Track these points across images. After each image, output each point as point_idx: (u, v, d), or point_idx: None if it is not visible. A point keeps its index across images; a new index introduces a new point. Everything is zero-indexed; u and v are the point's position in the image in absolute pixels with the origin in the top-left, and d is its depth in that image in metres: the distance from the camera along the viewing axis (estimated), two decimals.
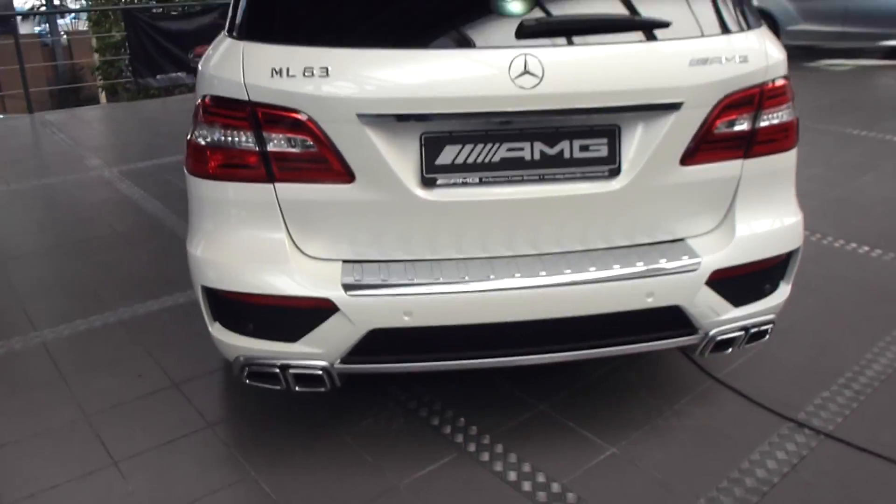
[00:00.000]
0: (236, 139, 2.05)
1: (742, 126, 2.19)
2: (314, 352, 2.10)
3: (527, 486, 2.32)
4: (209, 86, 2.09)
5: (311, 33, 2.05)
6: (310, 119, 1.99)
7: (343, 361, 2.12)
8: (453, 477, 2.37)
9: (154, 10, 9.18)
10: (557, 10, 2.09)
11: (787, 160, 2.33)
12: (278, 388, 2.19)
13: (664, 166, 2.15)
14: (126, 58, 9.54)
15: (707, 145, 2.17)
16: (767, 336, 2.42)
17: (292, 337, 2.10)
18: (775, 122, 2.24)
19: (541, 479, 2.35)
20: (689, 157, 2.17)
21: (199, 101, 2.12)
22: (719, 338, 2.28)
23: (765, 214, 2.31)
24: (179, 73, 8.54)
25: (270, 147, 2.03)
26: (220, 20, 8.72)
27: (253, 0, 2.10)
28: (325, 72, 1.96)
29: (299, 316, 2.08)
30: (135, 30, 8.36)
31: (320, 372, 2.12)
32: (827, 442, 2.52)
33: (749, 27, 2.24)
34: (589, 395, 2.77)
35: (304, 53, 1.99)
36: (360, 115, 1.98)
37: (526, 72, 1.97)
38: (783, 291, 2.40)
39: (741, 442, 2.52)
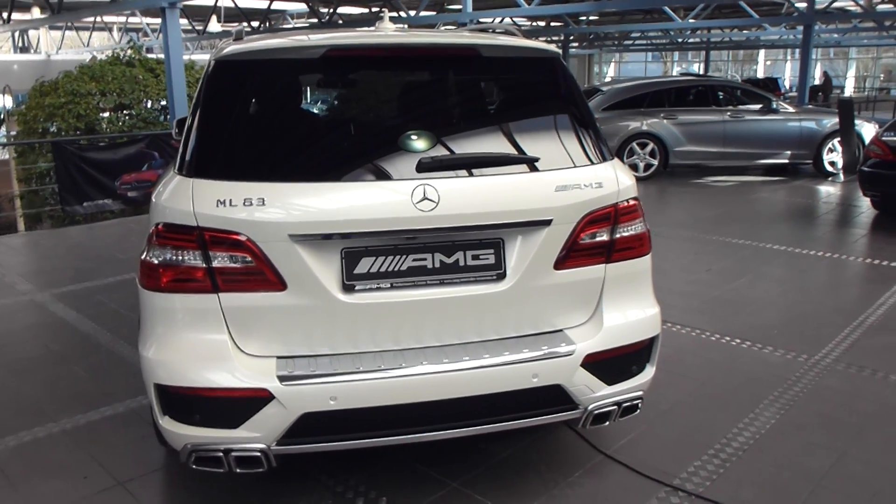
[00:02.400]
0: (186, 258, 2.45)
1: (602, 237, 2.73)
2: (253, 436, 2.44)
3: None
4: (162, 215, 2.50)
5: (248, 171, 2.52)
6: (249, 239, 2.42)
7: (279, 443, 2.47)
8: None
9: (82, 142, 9.56)
10: (450, 149, 2.62)
11: (643, 263, 2.87)
12: (221, 470, 2.51)
13: (541, 270, 2.65)
14: (51, 186, 9.81)
15: (575, 253, 2.69)
16: (638, 410, 2.88)
17: (234, 424, 2.45)
18: (630, 233, 2.79)
19: None
20: (561, 263, 2.68)
21: (153, 227, 2.52)
22: (596, 412, 2.73)
23: (627, 308, 2.82)
24: (106, 201, 8.87)
25: (215, 263, 2.44)
26: (146, 149, 9.19)
27: (200, 145, 2.56)
28: (262, 201, 2.41)
29: (240, 405, 2.44)
30: (63, 160, 8.72)
31: (259, 454, 2.46)
32: (697, 502, 2.96)
33: (604, 160, 2.81)
34: (495, 472, 3.15)
35: (244, 187, 2.44)
36: (290, 236, 2.42)
37: (425, 198, 2.47)
38: (649, 372, 2.89)
39: None
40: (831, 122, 10.98)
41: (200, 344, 2.48)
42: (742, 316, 5.16)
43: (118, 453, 3.36)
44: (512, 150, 2.71)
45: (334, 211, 2.46)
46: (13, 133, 14.86)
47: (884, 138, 7.89)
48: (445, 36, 3.05)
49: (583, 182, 2.68)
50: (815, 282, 6.12)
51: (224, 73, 2.65)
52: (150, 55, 13.89)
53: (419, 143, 2.57)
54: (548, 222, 2.62)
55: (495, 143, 2.76)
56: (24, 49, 32.35)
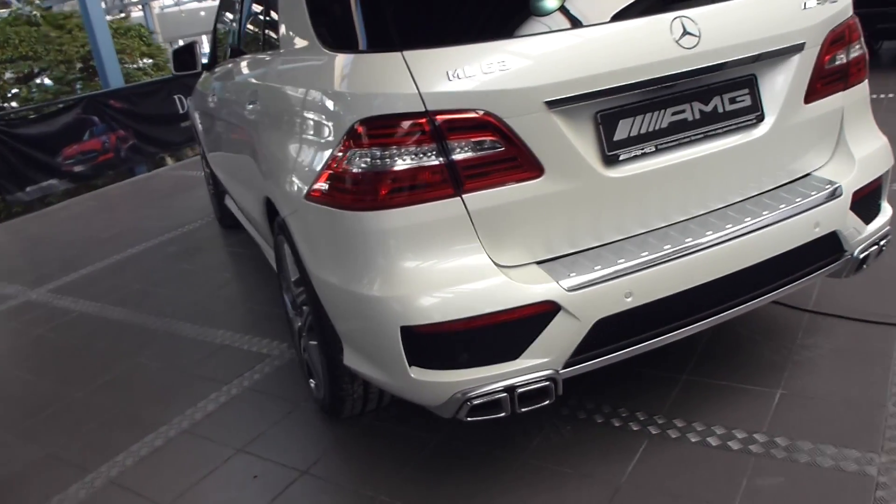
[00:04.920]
0: (413, 156, 1.92)
1: (841, 60, 2.38)
2: (540, 362, 2.00)
3: (734, 445, 2.34)
4: (366, 107, 1.95)
5: (473, 30, 2.04)
6: (494, 117, 1.92)
7: (566, 365, 2.04)
8: (663, 459, 2.34)
9: (9, 117, 8.35)
10: None
11: (866, 89, 2.54)
12: (502, 414, 2.04)
13: (794, 106, 2.28)
14: None
15: (820, 81, 2.33)
16: (884, 249, 2.59)
17: (514, 354, 1.99)
18: (857, 54, 2.45)
19: (741, 435, 2.37)
20: (809, 96, 2.32)
21: (348, 128, 1.97)
22: (861, 255, 2.42)
23: (865, 138, 2.50)
24: (52, 181, 7.79)
25: (455, 156, 1.92)
26: (84, 115, 8.11)
27: (397, 7, 2.01)
28: (504, 65, 1.91)
29: (519, 329, 1.98)
30: None
31: (547, 382, 2.02)
32: None
33: None
34: (714, 355, 2.83)
35: (479, 50, 1.93)
36: (546, 103, 1.94)
37: (686, 33, 2.04)
38: (887, 207, 2.60)
39: (878, 353, 2.68)
40: None
41: (449, 265, 1.98)
42: None
43: (271, 440, 2.80)
44: None
45: (590, 64, 1.98)
46: None
47: None
48: None
49: None
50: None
51: None
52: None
53: None
54: (800, 47, 2.24)
55: None
56: None
